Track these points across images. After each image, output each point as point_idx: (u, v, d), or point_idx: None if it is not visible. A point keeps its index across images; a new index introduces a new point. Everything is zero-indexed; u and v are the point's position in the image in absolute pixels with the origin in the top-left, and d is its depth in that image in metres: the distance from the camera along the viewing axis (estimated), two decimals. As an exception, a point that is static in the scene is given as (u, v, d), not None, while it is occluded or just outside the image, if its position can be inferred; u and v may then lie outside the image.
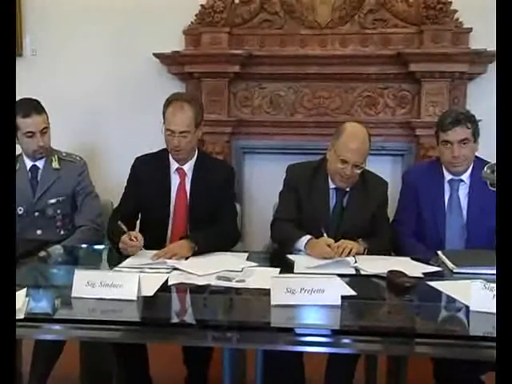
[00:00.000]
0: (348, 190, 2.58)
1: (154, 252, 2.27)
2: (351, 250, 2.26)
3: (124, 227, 2.33)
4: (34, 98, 2.79)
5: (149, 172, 2.62)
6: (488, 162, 2.52)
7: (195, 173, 2.62)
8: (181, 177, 2.62)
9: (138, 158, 2.69)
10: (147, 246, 2.33)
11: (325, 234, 2.36)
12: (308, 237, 2.40)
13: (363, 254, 2.35)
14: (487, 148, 2.61)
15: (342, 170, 2.47)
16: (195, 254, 2.33)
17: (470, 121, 2.54)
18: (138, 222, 2.67)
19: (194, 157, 2.63)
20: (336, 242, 2.41)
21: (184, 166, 2.62)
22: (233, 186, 2.75)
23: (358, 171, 2.49)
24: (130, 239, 2.29)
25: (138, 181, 2.63)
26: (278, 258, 2.38)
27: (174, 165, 2.62)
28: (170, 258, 2.22)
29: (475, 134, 2.55)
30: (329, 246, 2.27)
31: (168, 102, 2.55)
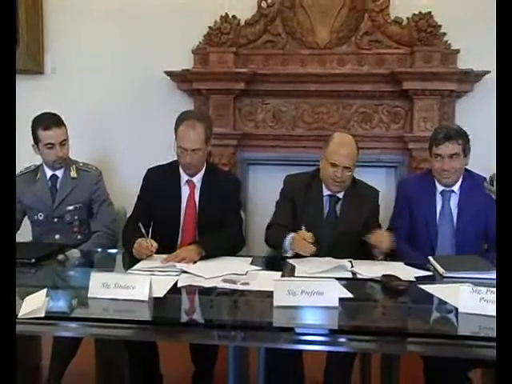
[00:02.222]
0: (341, 197, 2.59)
1: (165, 256, 2.28)
2: None
3: (143, 230, 2.32)
4: (54, 112, 2.80)
5: (160, 183, 2.62)
6: (476, 175, 2.54)
7: (204, 184, 2.61)
8: (190, 188, 2.61)
9: (150, 170, 2.69)
10: (159, 251, 2.33)
11: (303, 228, 2.38)
12: (292, 235, 2.41)
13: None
14: (474, 160, 2.62)
15: (333, 173, 2.49)
16: (203, 258, 2.34)
17: (462, 137, 2.55)
18: (150, 229, 2.66)
19: (202, 169, 2.63)
20: (329, 246, 2.43)
21: (193, 178, 2.62)
22: (238, 196, 2.75)
23: (349, 173, 2.51)
24: (146, 245, 2.29)
25: (151, 191, 2.63)
26: (280, 262, 2.38)
27: (184, 177, 2.62)
28: (179, 262, 2.23)
29: (465, 150, 2.55)
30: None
31: (180, 121, 2.53)
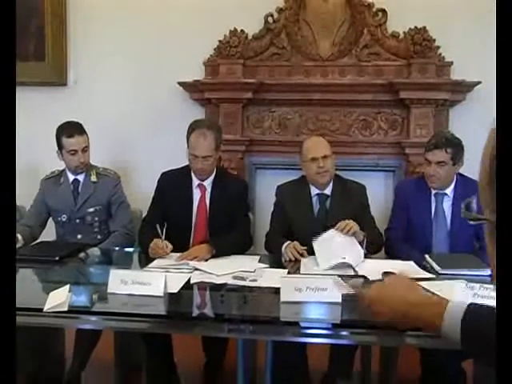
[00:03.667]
0: (330, 194, 2.60)
1: (178, 254, 2.28)
2: (352, 228, 2.30)
3: (160, 231, 2.31)
4: (77, 120, 2.82)
5: (173, 186, 2.62)
6: (469, 179, 2.53)
7: (214, 188, 2.62)
8: (201, 191, 2.62)
9: (164, 174, 2.69)
10: (173, 250, 2.33)
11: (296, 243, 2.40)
12: (287, 242, 2.42)
13: (363, 241, 2.34)
14: (467, 165, 2.60)
15: (316, 167, 2.54)
16: (214, 256, 2.34)
17: (452, 146, 2.51)
18: (164, 229, 2.67)
19: (212, 173, 2.63)
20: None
21: (204, 182, 2.62)
22: (246, 198, 2.75)
23: (330, 162, 2.55)
24: (162, 245, 2.29)
25: (164, 193, 2.63)
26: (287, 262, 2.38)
27: (195, 181, 2.62)
28: (192, 260, 2.23)
29: (455, 158, 2.52)
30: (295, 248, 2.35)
31: (191, 129, 2.54)
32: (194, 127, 2.54)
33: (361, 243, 2.31)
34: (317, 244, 2.31)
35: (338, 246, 2.26)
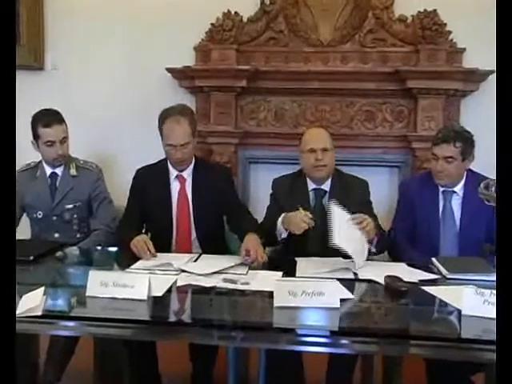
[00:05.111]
0: (327, 190, 2.60)
1: (163, 255, 2.28)
2: (368, 226, 2.25)
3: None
4: (55, 108, 2.79)
5: (150, 181, 2.62)
6: (480, 175, 2.52)
7: (195, 177, 2.62)
8: (181, 182, 2.61)
9: (138, 170, 2.70)
10: (155, 250, 2.33)
11: (300, 209, 2.38)
12: (284, 214, 2.43)
13: (372, 240, 2.33)
14: (477, 160, 2.60)
15: (314, 159, 2.54)
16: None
17: (461, 140, 2.51)
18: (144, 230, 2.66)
19: (191, 162, 2.63)
20: (320, 243, 2.41)
21: (183, 172, 2.62)
22: (233, 183, 2.76)
23: (329, 155, 2.56)
24: (148, 249, 2.28)
25: (140, 191, 2.63)
26: (281, 262, 2.38)
27: (173, 172, 2.62)
28: (256, 259, 2.20)
29: (464, 153, 2.51)
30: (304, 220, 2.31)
31: (163, 118, 2.53)
32: (165, 116, 2.54)
33: (370, 242, 2.31)
34: (335, 213, 2.24)
35: (349, 235, 2.24)
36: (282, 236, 2.43)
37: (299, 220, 2.33)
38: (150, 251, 2.28)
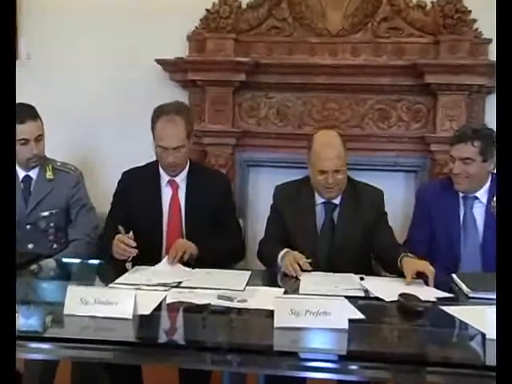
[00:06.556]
0: (338, 203, 2.59)
1: (151, 267, 2.29)
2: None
3: (123, 230, 2.34)
4: (29, 103, 2.80)
5: (137, 186, 2.63)
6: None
7: (189, 183, 2.63)
8: (173, 189, 2.63)
9: (125, 172, 2.71)
10: (142, 262, 2.34)
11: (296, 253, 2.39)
12: (284, 250, 2.42)
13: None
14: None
15: (323, 180, 2.50)
16: (196, 263, 2.37)
17: (481, 138, 2.50)
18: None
19: (186, 167, 2.64)
20: (327, 258, 2.42)
21: (176, 177, 2.62)
22: (231, 196, 2.76)
23: (341, 176, 2.52)
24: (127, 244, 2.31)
25: (127, 196, 2.64)
26: (283, 277, 2.38)
27: (165, 177, 2.63)
28: (182, 257, 2.28)
29: (485, 153, 2.50)
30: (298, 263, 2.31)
31: (156, 117, 2.53)
32: (159, 113, 2.54)
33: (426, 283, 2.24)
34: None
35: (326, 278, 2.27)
36: (282, 270, 2.41)
37: (290, 263, 2.33)
38: (130, 246, 2.31)
